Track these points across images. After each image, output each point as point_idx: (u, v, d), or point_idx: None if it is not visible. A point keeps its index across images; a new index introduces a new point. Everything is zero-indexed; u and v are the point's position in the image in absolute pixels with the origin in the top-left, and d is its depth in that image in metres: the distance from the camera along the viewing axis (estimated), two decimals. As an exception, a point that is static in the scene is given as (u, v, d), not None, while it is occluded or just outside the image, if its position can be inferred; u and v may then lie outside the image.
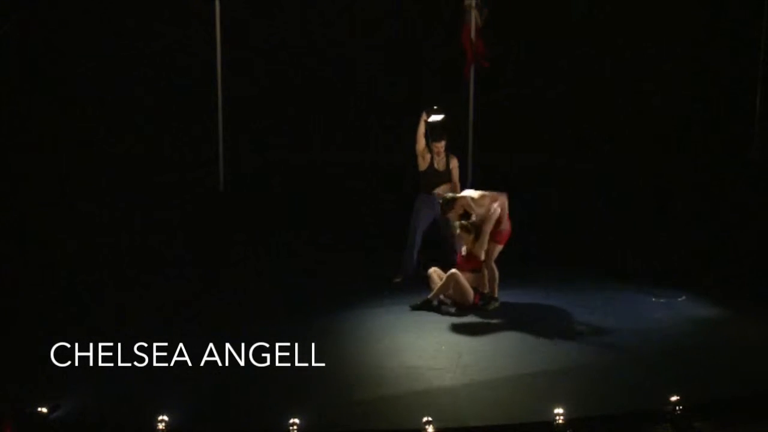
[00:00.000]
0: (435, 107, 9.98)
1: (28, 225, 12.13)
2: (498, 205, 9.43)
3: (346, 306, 9.67)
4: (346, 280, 10.51)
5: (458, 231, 9.55)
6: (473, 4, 13.10)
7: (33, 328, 8.91)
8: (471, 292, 9.43)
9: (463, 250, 9.61)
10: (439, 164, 10.14)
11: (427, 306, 9.49)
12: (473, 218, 9.51)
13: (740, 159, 14.30)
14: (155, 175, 14.03)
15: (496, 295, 9.59)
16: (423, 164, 10.15)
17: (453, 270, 9.46)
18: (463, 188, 10.16)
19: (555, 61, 14.69)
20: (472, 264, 9.53)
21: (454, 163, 10.23)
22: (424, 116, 10.02)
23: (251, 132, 14.64)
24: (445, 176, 10.15)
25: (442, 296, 9.54)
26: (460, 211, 9.55)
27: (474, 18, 13.13)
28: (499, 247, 9.55)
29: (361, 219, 12.39)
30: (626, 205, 12.91)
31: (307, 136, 14.87)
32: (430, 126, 10.01)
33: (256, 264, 11.04)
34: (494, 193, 9.49)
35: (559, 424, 7.11)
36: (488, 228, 9.43)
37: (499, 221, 9.47)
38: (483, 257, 9.51)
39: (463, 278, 9.40)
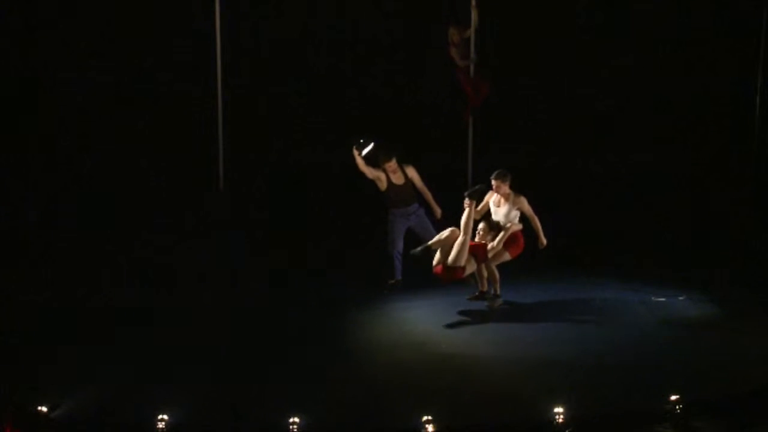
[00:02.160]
0: (362, 140, 9.94)
1: (28, 224, 12.13)
2: (519, 219, 9.61)
3: (346, 306, 9.68)
4: (346, 279, 10.51)
5: (482, 224, 9.56)
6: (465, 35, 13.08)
7: (33, 328, 8.91)
8: (463, 259, 9.40)
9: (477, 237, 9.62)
10: (398, 179, 10.11)
11: (426, 252, 9.47)
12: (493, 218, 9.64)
13: (740, 160, 14.30)
14: (154, 174, 14.02)
15: (499, 294, 9.62)
16: (382, 185, 10.11)
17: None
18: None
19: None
20: (478, 252, 9.53)
21: (412, 172, 10.18)
22: (356, 152, 9.96)
23: (251, 130, 14.62)
24: (407, 187, 10.13)
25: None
26: (485, 205, 9.62)
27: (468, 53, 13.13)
28: (507, 256, 9.59)
29: (361, 219, 12.36)
30: (626, 205, 12.90)
31: (308, 134, 14.83)
32: (370, 154, 9.96)
33: (256, 263, 11.03)
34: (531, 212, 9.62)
35: (558, 423, 7.13)
36: (505, 236, 9.52)
37: (515, 237, 9.60)
38: (491, 255, 9.54)
39: (467, 245, 9.38)
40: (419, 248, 9.53)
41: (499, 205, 9.63)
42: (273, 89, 14.63)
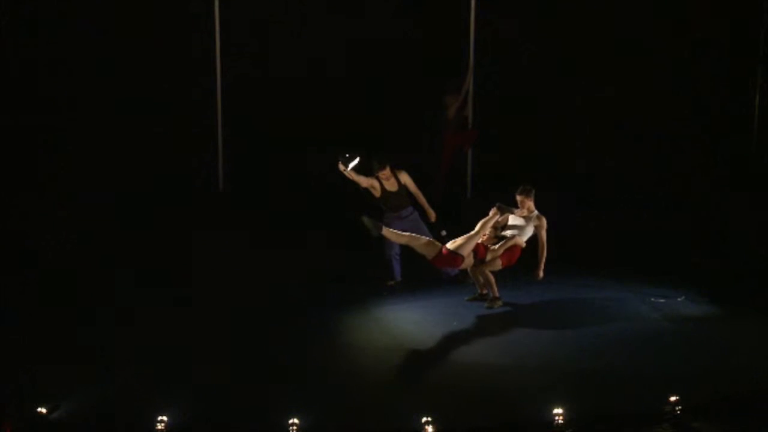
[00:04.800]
0: (347, 155, 9.97)
1: (28, 224, 12.12)
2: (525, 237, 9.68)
3: (345, 306, 9.68)
4: (345, 280, 10.51)
5: (490, 229, 9.59)
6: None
7: (33, 328, 8.91)
8: (466, 250, 9.42)
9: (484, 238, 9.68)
10: (392, 186, 10.18)
11: (374, 225, 9.50)
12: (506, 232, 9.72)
13: (740, 159, 14.31)
14: (154, 174, 14.00)
15: (497, 295, 9.63)
16: (376, 192, 10.20)
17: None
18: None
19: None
20: (479, 250, 9.55)
21: (405, 178, 10.26)
22: (342, 168, 9.99)
23: (251, 130, 14.62)
24: (402, 193, 10.22)
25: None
26: (504, 219, 9.70)
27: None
28: (499, 264, 9.61)
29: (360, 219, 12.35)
30: (625, 205, 12.91)
31: (308, 134, 14.83)
32: (358, 166, 10.00)
33: (256, 264, 11.03)
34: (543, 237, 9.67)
35: (558, 424, 7.13)
36: (506, 244, 9.58)
37: (514, 249, 9.65)
38: (488, 258, 9.55)
39: (475, 241, 9.43)
40: (371, 221, 9.51)
41: (519, 216, 9.67)
42: (273, 87, 14.65)
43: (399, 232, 9.65)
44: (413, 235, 9.58)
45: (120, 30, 14.08)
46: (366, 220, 9.43)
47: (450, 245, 9.48)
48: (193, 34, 14.09)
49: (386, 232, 9.52)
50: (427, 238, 9.63)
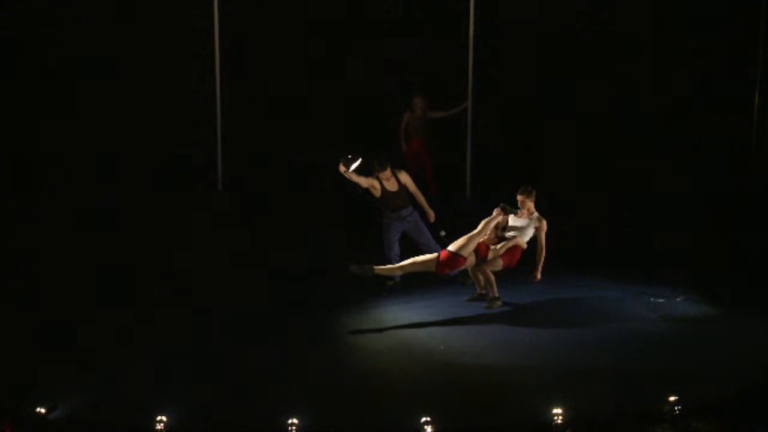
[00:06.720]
0: (349, 156, 9.98)
1: (28, 223, 12.13)
2: (527, 238, 9.70)
3: (345, 306, 9.68)
4: (345, 279, 10.50)
5: (491, 227, 9.61)
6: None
7: (33, 328, 8.90)
8: (467, 250, 9.47)
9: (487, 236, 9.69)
10: (391, 186, 10.21)
11: (366, 271, 9.53)
12: (507, 234, 9.73)
13: (739, 158, 14.30)
14: (152, 174, 14.00)
15: (497, 295, 9.64)
16: (377, 192, 10.22)
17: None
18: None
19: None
20: (481, 249, 9.57)
21: (404, 177, 10.30)
22: (342, 169, 10.00)
23: (249, 130, 14.62)
24: (402, 193, 10.25)
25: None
26: (504, 220, 9.72)
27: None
28: (500, 264, 9.62)
29: (360, 218, 12.38)
30: (624, 205, 12.91)
31: (307, 133, 14.83)
32: (359, 167, 10.01)
33: (255, 264, 11.03)
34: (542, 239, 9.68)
35: (557, 424, 7.14)
36: (507, 245, 9.61)
37: (515, 249, 9.68)
38: (490, 256, 9.57)
39: (477, 241, 9.47)
40: (359, 266, 9.52)
41: (520, 217, 9.68)
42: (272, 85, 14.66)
43: (390, 266, 9.73)
44: (406, 263, 9.62)
45: (119, 28, 14.11)
46: (354, 268, 9.49)
47: (451, 247, 9.49)
48: (192, 32, 14.12)
49: (378, 270, 9.57)
50: (421, 257, 9.66)
